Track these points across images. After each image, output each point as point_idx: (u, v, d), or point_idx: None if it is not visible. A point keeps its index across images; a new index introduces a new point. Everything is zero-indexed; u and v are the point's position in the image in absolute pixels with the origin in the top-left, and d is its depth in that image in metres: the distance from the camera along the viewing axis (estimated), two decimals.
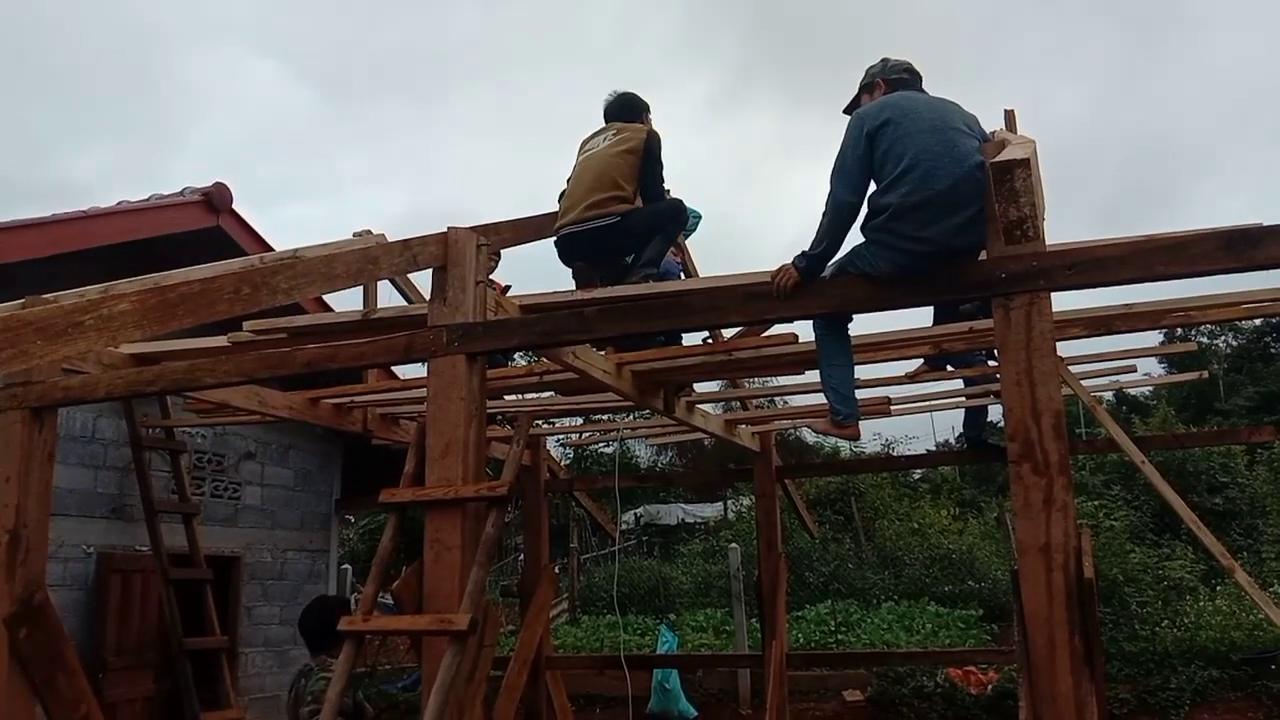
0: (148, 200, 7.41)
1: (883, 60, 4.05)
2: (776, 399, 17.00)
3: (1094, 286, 3.23)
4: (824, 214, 3.60)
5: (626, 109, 5.50)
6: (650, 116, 5.55)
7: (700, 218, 6.30)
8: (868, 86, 4.04)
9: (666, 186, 5.32)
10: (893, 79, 3.94)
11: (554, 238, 5.26)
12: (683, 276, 6.10)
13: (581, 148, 5.44)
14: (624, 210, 5.07)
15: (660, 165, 5.26)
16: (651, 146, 5.23)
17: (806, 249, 3.58)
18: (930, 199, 3.37)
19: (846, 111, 4.06)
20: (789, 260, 3.60)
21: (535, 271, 6.34)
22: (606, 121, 5.50)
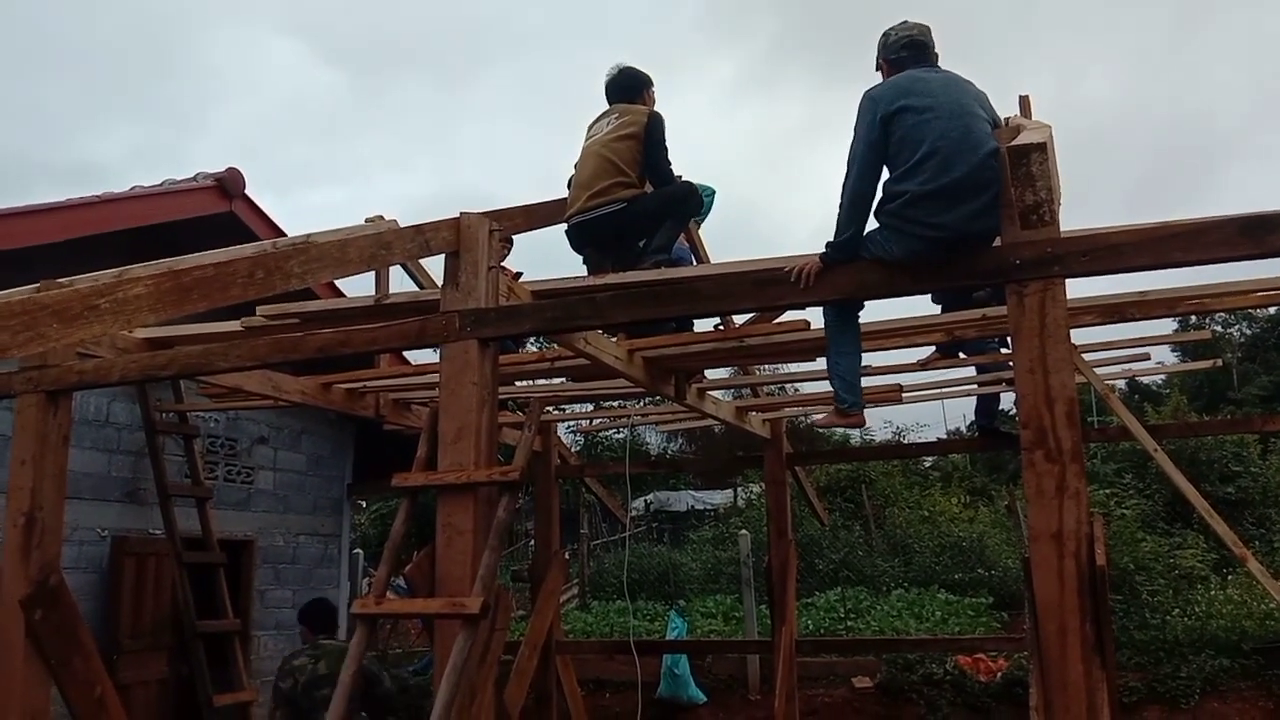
0: (161, 185, 7.43)
1: (884, 35, 3.94)
2: (787, 386, 17.01)
3: (1109, 273, 3.21)
4: (841, 202, 3.59)
5: (626, 88, 5.43)
6: (652, 92, 5.48)
7: (714, 194, 6.22)
8: (877, 64, 4.00)
9: (678, 172, 5.28)
10: (894, 59, 3.86)
11: (564, 226, 5.26)
12: (694, 261, 6.08)
13: (587, 132, 5.42)
14: (630, 196, 5.05)
15: (664, 148, 5.19)
16: (653, 130, 5.16)
17: (831, 239, 3.57)
18: (947, 186, 3.34)
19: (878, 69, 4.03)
20: (813, 249, 3.60)
21: (549, 257, 6.34)
22: (609, 101, 5.47)
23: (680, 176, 5.30)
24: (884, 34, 3.96)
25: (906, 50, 3.85)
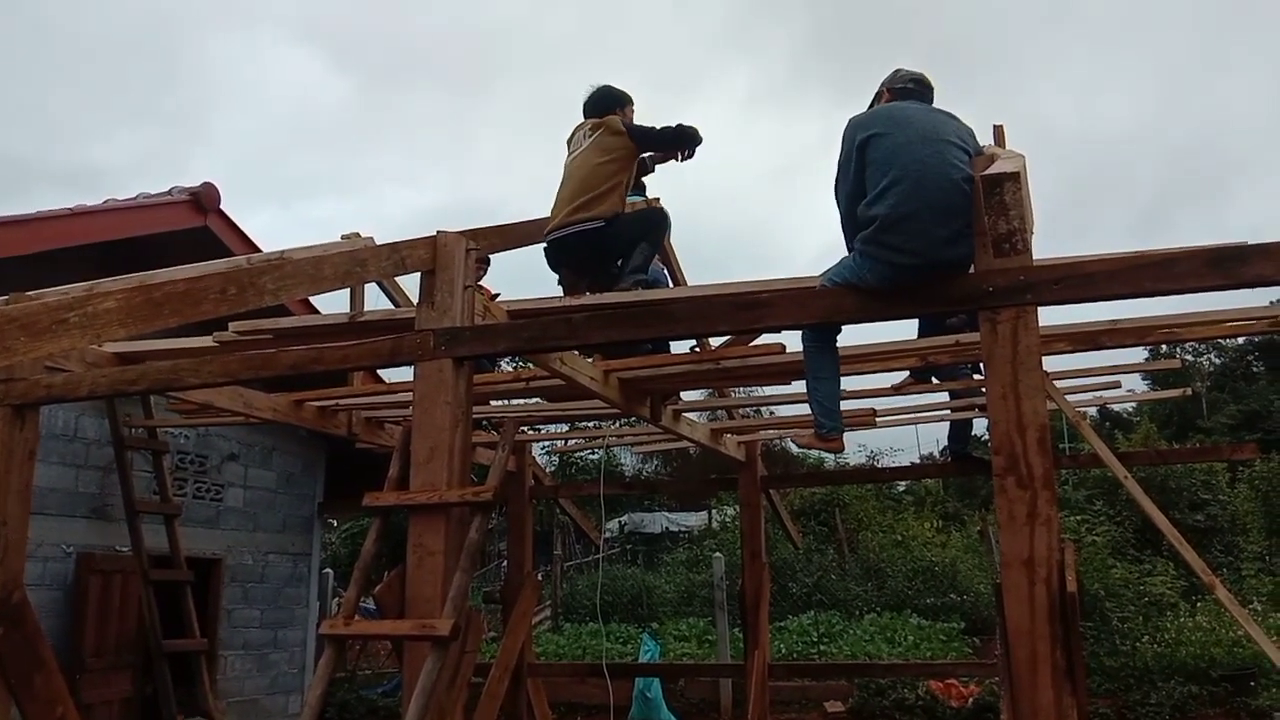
0: (135, 199, 7.38)
1: (894, 71, 4.06)
2: (762, 409, 17.03)
3: (1081, 301, 3.24)
4: (842, 226, 3.73)
5: (601, 104, 5.48)
6: (630, 110, 5.51)
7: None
8: (877, 95, 4.07)
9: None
10: (898, 88, 3.95)
11: (543, 243, 5.26)
12: (670, 281, 6.10)
13: (567, 147, 5.44)
14: (609, 214, 5.07)
15: (642, 127, 5.28)
16: (627, 122, 5.28)
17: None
18: (917, 211, 3.37)
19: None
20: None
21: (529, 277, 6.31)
22: (584, 117, 5.50)
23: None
24: (894, 71, 4.07)
25: (913, 84, 3.95)
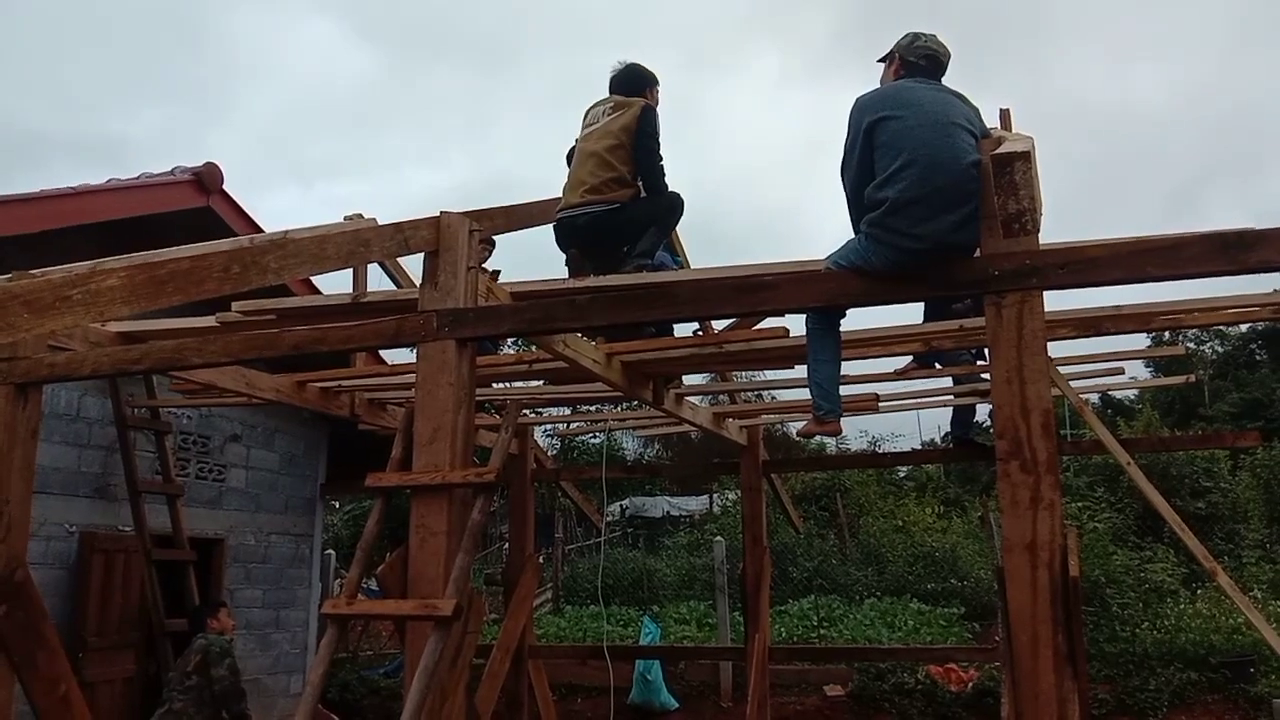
0: (138, 178, 7.37)
1: (913, 36, 3.91)
2: (765, 393, 17.04)
3: (1087, 286, 3.23)
4: (849, 208, 3.70)
5: (629, 84, 5.38)
6: (656, 91, 5.43)
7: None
8: (889, 57, 3.97)
9: (666, 171, 5.24)
10: (910, 61, 3.84)
11: (547, 227, 5.24)
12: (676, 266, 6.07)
13: (583, 121, 5.38)
14: (623, 198, 5.03)
15: (654, 142, 5.14)
16: (645, 123, 5.12)
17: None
18: (927, 195, 3.35)
19: (881, 61, 4.03)
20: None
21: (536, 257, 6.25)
22: (610, 93, 5.41)
23: (664, 170, 5.28)
24: (914, 34, 3.92)
25: (925, 60, 3.84)
